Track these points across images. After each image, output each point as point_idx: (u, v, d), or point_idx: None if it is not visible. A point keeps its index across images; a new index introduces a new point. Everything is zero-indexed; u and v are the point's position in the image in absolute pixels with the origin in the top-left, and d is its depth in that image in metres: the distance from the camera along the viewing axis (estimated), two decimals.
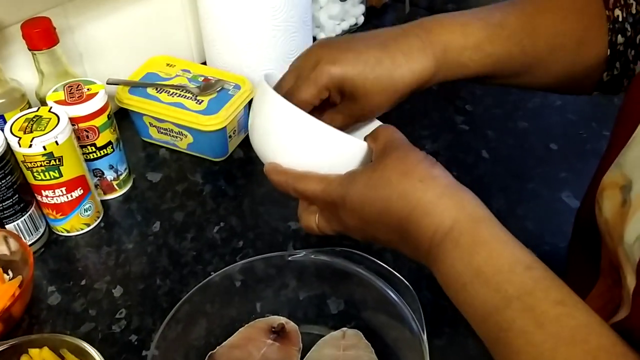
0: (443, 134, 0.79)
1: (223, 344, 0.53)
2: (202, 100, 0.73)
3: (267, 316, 0.55)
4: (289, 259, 0.54)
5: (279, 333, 0.53)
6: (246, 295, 0.55)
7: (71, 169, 0.61)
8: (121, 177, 0.70)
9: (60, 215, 0.64)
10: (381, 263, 0.52)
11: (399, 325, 0.49)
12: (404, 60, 0.48)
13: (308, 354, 0.53)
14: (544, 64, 0.53)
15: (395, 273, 0.51)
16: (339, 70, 0.47)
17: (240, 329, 0.54)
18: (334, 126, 0.46)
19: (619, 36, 0.51)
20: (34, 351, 0.50)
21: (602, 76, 0.53)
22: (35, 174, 0.59)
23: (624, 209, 0.38)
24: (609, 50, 0.51)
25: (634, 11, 0.51)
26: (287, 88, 0.49)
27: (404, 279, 0.50)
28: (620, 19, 0.51)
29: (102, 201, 0.70)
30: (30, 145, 0.57)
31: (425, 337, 0.47)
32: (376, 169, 0.43)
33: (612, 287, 0.39)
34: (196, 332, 0.53)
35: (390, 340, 0.52)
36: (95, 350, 0.49)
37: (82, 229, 0.66)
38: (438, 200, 0.40)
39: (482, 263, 0.37)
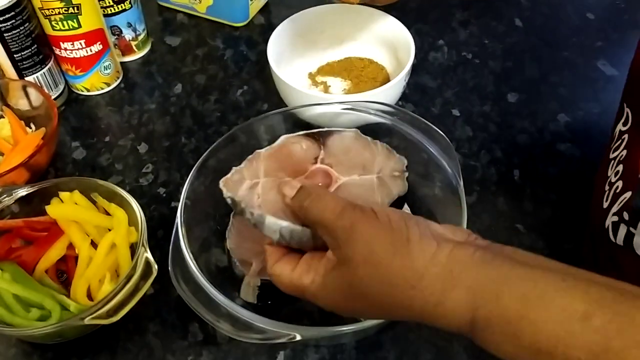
0: (474, 1, 0.75)
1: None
2: None
3: None
4: (319, 111, 0.53)
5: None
6: None
7: (90, 20, 0.58)
8: (140, 38, 0.67)
9: (80, 72, 0.62)
10: (419, 117, 0.50)
11: (438, 176, 0.48)
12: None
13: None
14: None
15: (434, 127, 0.49)
16: None
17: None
18: None
19: None
20: (64, 194, 0.48)
21: None
22: (53, 22, 0.57)
23: None
24: None
25: None
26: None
27: (443, 134, 0.49)
28: None
29: (121, 63, 0.67)
30: None
31: (462, 184, 0.46)
32: (344, 274, 0.34)
33: None
34: None
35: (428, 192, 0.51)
36: (129, 195, 0.48)
37: (102, 89, 0.64)
38: (445, 299, 0.32)
39: (533, 340, 0.30)
